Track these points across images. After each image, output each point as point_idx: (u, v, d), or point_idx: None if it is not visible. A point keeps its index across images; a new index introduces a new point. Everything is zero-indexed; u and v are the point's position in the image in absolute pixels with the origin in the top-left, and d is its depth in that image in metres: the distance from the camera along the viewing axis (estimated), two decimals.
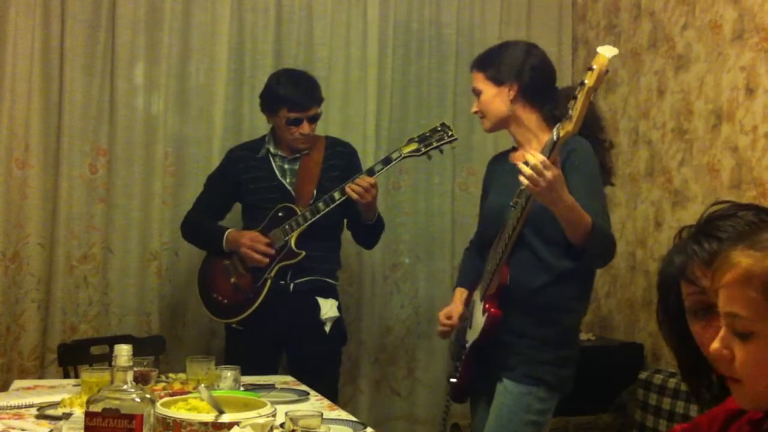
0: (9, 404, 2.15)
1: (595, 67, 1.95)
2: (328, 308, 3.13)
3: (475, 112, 2.50)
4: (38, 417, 2.07)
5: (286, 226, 3.07)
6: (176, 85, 3.69)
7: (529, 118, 2.42)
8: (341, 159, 3.21)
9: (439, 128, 3.01)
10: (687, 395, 3.14)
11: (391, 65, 3.95)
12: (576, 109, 1.98)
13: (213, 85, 3.71)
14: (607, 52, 1.94)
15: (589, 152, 2.33)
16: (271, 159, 3.20)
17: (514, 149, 2.53)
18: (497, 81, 2.42)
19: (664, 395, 3.23)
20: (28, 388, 2.45)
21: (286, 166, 3.20)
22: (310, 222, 3.04)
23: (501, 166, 2.56)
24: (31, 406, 2.16)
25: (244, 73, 3.76)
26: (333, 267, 3.24)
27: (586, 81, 1.96)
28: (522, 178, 2.09)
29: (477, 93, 2.47)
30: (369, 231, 3.22)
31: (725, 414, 1.27)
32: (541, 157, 2.05)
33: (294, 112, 3.09)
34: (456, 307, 2.56)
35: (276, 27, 3.82)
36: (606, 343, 3.78)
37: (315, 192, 3.11)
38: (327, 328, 3.13)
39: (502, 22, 4.12)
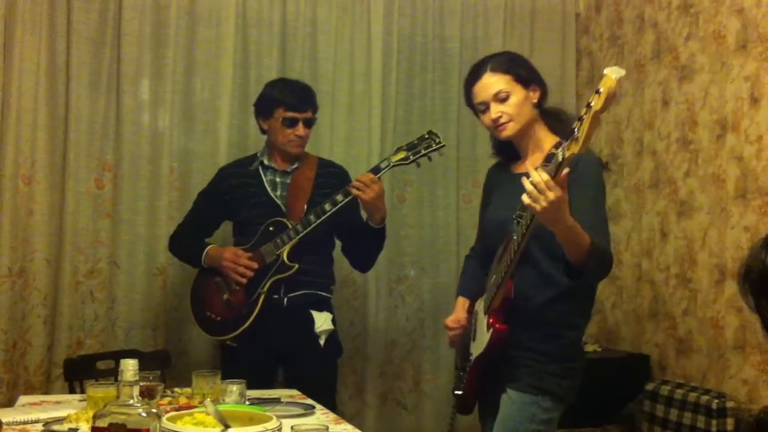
0: (15, 420, 2.14)
1: (602, 90, 1.83)
2: (322, 321, 3.12)
3: (499, 117, 2.34)
4: None
5: (278, 240, 3.05)
6: (181, 101, 3.71)
7: (540, 126, 2.37)
8: (333, 178, 3.19)
9: (427, 136, 3.02)
10: (694, 406, 3.13)
11: (395, 79, 3.97)
12: (583, 131, 1.87)
13: (218, 101, 3.73)
14: (614, 73, 1.84)
15: (595, 165, 2.29)
16: (262, 173, 3.18)
17: (516, 158, 2.46)
18: (525, 83, 2.34)
19: (672, 406, 3.22)
20: (34, 404, 2.44)
21: (277, 179, 3.18)
22: (302, 235, 3.03)
23: (503, 175, 2.50)
24: (37, 421, 2.16)
25: (249, 89, 3.77)
26: (326, 281, 3.22)
27: (592, 104, 1.85)
28: (524, 197, 2.03)
29: (504, 96, 2.33)
30: (371, 240, 3.15)
31: None
32: (546, 177, 1.98)
33: (290, 111, 3.11)
34: (461, 315, 2.55)
35: (280, 42, 3.84)
36: (612, 355, 3.77)
37: (306, 207, 3.10)
38: (322, 342, 3.12)
39: (505, 35, 4.14)
